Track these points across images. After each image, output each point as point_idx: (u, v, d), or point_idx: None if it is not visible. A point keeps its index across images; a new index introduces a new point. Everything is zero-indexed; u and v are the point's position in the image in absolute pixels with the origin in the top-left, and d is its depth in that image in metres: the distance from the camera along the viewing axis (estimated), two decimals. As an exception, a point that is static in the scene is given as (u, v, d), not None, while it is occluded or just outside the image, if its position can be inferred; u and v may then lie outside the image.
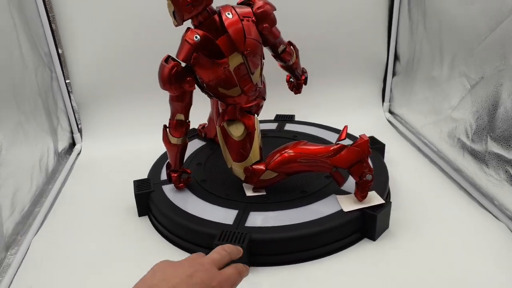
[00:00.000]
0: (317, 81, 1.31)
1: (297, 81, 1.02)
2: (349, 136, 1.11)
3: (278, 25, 0.87)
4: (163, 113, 0.96)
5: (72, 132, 1.33)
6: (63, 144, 1.26)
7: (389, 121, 1.39)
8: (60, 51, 1.24)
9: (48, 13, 1.19)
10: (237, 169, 0.87)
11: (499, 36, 0.83)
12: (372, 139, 1.09)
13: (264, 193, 0.89)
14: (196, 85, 0.82)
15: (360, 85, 1.42)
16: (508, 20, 0.80)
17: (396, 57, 1.38)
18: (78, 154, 1.29)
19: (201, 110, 0.99)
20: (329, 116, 1.33)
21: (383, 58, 1.40)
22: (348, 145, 0.81)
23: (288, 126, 1.23)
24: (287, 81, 1.05)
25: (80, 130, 1.34)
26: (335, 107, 1.39)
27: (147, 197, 0.93)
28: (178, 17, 0.77)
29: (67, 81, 1.28)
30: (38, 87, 1.11)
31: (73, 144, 1.34)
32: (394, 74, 1.40)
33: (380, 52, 1.39)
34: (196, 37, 0.77)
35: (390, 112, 1.44)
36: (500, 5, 0.82)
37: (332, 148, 0.82)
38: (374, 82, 1.43)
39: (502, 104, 0.83)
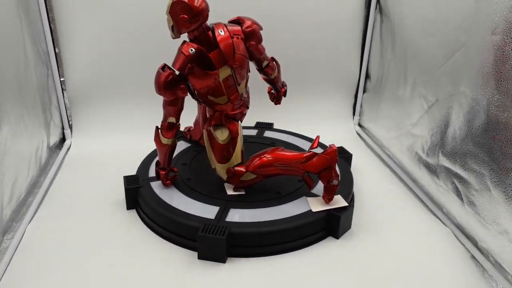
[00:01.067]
0: (295, 94, 1.41)
1: (277, 93, 1.13)
2: (321, 145, 1.22)
3: (263, 42, 0.98)
4: (150, 114, 1.05)
5: (63, 128, 1.39)
6: (54, 138, 1.32)
7: (358, 134, 1.51)
8: (57, 50, 1.31)
9: (48, 14, 1.25)
10: (220, 170, 0.96)
11: (452, 66, 0.96)
12: (341, 149, 1.21)
13: (244, 193, 0.98)
14: (188, 92, 0.92)
15: (334, 99, 1.53)
16: (459, 53, 0.93)
17: (368, 76, 1.50)
18: (68, 149, 1.34)
19: (187, 114, 1.08)
20: (305, 125, 1.42)
21: (356, 76, 1.52)
22: (319, 153, 0.92)
23: (267, 133, 1.33)
24: (268, 93, 1.15)
25: (70, 126, 1.40)
26: (310, 118, 1.50)
27: (136, 192, 1.01)
28: (176, 31, 0.87)
29: (61, 79, 1.34)
30: (37, 83, 1.18)
31: (63, 139, 1.40)
32: (364, 91, 1.52)
33: (353, 70, 1.51)
34: (191, 50, 0.86)
35: (359, 125, 1.56)
36: (455, 39, 0.95)
37: (305, 155, 0.92)
38: (347, 97, 1.55)
39: (452, 124, 0.96)
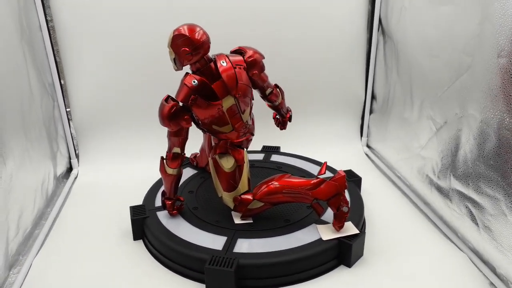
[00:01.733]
0: (301, 116, 1.41)
1: (282, 118, 1.12)
2: (330, 168, 1.21)
3: (266, 67, 0.97)
4: (156, 142, 1.05)
5: (70, 158, 1.39)
6: (61, 168, 1.32)
7: (367, 154, 1.49)
8: (62, 82, 1.32)
9: (53, 47, 1.27)
10: (227, 198, 0.95)
11: (459, 87, 0.95)
12: (350, 173, 1.19)
13: (251, 221, 0.96)
14: (192, 122, 0.92)
15: (341, 121, 1.52)
16: (466, 75, 0.92)
17: (373, 97, 1.49)
18: (75, 178, 1.34)
19: (193, 140, 1.07)
20: (312, 148, 1.42)
21: (362, 97, 1.51)
22: (327, 178, 0.90)
23: (274, 157, 1.32)
24: (273, 118, 1.15)
25: (77, 156, 1.40)
26: (317, 140, 1.48)
27: (142, 222, 1.00)
28: (178, 63, 0.87)
29: (67, 109, 1.35)
30: (43, 115, 1.18)
31: (70, 169, 1.40)
32: (371, 111, 1.51)
33: (359, 92, 1.50)
34: (194, 82, 0.86)
35: (368, 146, 1.54)
36: (460, 61, 0.94)
37: (313, 182, 0.90)
38: (353, 119, 1.54)
39: (462, 147, 0.94)
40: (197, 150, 1.23)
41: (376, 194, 1.20)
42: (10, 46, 1.04)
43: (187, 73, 0.89)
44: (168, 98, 0.89)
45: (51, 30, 1.26)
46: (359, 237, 0.90)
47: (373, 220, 1.07)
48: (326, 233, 0.91)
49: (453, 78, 0.97)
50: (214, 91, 0.87)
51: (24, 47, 1.10)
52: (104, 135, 1.39)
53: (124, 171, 1.34)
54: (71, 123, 1.37)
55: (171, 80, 0.89)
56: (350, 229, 0.92)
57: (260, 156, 1.33)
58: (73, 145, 1.39)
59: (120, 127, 1.39)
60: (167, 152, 0.95)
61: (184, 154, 0.95)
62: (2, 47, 0.99)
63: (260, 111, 1.07)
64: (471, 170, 0.90)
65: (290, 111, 1.13)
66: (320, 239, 0.90)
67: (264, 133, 1.26)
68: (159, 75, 1.15)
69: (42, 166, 1.16)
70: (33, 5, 1.20)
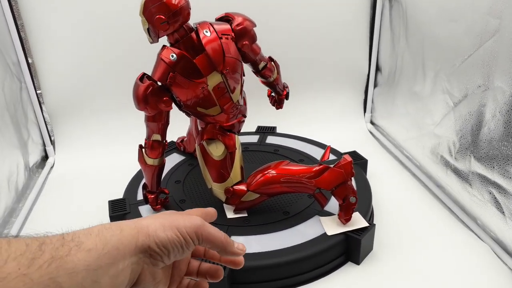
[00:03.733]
0: (299, 93, 1.28)
1: (278, 96, 1.00)
2: (332, 150, 1.09)
3: (258, 39, 0.84)
4: (140, 125, 0.92)
5: (44, 145, 1.26)
6: (34, 158, 1.20)
7: (371, 132, 1.38)
8: (30, 61, 1.18)
9: (16, 21, 1.12)
10: (217, 190, 0.84)
11: (483, 56, 0.82)
12: (355, 154, 1.08)
13: (246, 215, 0.86)
14: (173, 104, 0.79)
15: (342, 96, 1.40)
16: (493, 40, 0.79)
17: (378, 68, 1.36)
18: (51, 167, 1.23)
19: (180, 122, 0.96)
20: (311, 127, 1.31)
21: (365, 69, 1.38)
22: (331, 166, 0.79)
23: (270, 139, 1.20)
24: (268, 96, 1.03)
25: (53, 143, 1.28)
26: (317, 118, 1.37)
27: (123, 219, 0.89)
28: (153, 34, 0.74)
29: (38, 91, 1.21)
30: (5, 100, 1.05)
31: (45, 157, 1.27)
32: (375, 85, 1.39)
33: (362, 63, 1.38)
34: (172, 56, 0.73)
35: (372, 123, 1.42)
36: (484, 25, 0.81)
37: (315, 169, 0.79)
38: (356, 93, 1.41)
39: (486, 124, 0.82)
40: (183, 133, 1.10)
41: (383, 177, 1.09)
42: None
43: (164, 46, 0.75)
44: (143, 77, 0.76)
45: (12, 2, 1.11)
46: (368, 231, 0.80)
47: (381, 208, 0.96)
48: (331, 226, 0.81)
49: (475, 45, 0.84)
50: (196, 66, 0.74)
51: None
52: (81, 119, 1.27)
53: (105, 159, 1.23)
54: (43, 106, 1.24)
55: (152, 57, 0.76)
56: (358, 221, 0.81)
57: (254, 138, 1.21)
58: (47, 131, 1.26)
59: (98, 110, 1.27)
60: (145, 140, 0.83)
61: (166, 141, 0.83)
62: None
63: (253, 87, 0.94)
64: (496, 151, 0.79)
65: (287, 87, 1.00)
66: (325, 233, 0.79)
67: (258, 112, 1.15)
68: (139, 50, 1.02)
69: (7, 158, 1.03)
70: (-13, -28, 1.05)
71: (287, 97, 1.00)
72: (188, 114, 0.84)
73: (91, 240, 0.35)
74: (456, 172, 0.93)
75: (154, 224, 0.40)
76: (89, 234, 0.36)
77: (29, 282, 0.29)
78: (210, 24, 0.77)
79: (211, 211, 0.52)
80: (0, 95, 1.03)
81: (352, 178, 0.83)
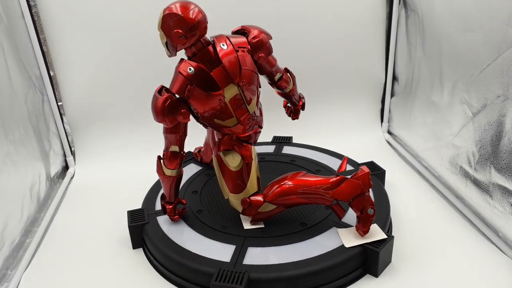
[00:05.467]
0: (315, 103, 1.29)
1: (294, 107, 1.00)
2: (349, 161, 1.09)
3: (274, 50, 0.85)
4: (158, 136, 0.94)
5: (65, 155, 1.29)
6: (55, 168, 1.23)
7: (388, 142, 1.36)
8: (51, 74, 1.21)
9: (38, 36, 1.15)
10: (234, 200, 0.85)
11: (501, 65, 0.81)
12: (372, 165, 1.07)
13: (263, 226, 0.86)
14: (190, 116, 0.80)
15: (358, 106, 1.39)
16: (511, 50, 0.78)
17: (395, 78, 1.35)
18: (72, 178, 1.25)
19: (196, 132, 0.97)
20: (327, 137, 1.31)
21: (381, 78, 1.37)
22: (349, 177, 0.78)
23: (286, 149, 1.20)
24: (284, 107, 1.03)
25: (73, 153, 1.31)
26: (333, 128, 1.36)
27: (141, 229, 0.90)
28: (171, 48, 0.75)
29: (59, 103, 1.24)
30: (28, 112, 1.08)
31: (66, 167, 1.30)
32: (392, 94, 1.37)
33: (378, 72, 1.36)
34: (190, 69, 0.74)
35: (389, 132, 1.41)
36: (503, 34, 0.80)
37: (332, 180, 0.79)
38: (373, 103, 1.40)
39: (506, 135, 0.80)
40: (200, 143, 1.11)
41: (401, 188, 1.08)
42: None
43: (182, 59, 0.77)
44: (161, 90, 0.77)
45: (35, 17, 1.14)
46: (387, 243, 0.79)
47: (399, 219, 0.95)
48: (349, 238, 0.80)
49: (493, 54, 0.83)
50: (214, 79, 0.75)
51: (0, 37, 0.98)
52: (101, 130, 1.29)
53: (124, 169, 1.24)
54: (64, 118, 1.27)
55: (170, 69, 0.77)
56: (376, 233, 0.80)
57: (270, 148, 1.21)
58: (68, 142, 1.29)
59: (118, 121, 1.29)
60: (164, 151, 0.84)
61: (184, 152, 0.84)
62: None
63: (269, 98, 0.95)
64: (518, 162, 0.77)
65: (303, 98, 1.00)
66: (342, 245, 0.79)
67: (274, 123, 1.15)
68: (158, 62, 1.04)
69: (30, 169, 1.05)
70: (12, -11, 1.08)
71: (303, 107, 1.00)
72: (205, 126, 0.85)
73: None
74: (476, 183, 0.91)
75: None
76: None
77: None
78: (227, 37, 0.78)
79: None
80: (24, 108, 1.05)
81: (370, 189, 0.83)
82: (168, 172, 0.84)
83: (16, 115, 1.01)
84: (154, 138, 0.98)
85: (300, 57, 1.22)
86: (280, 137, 1.27)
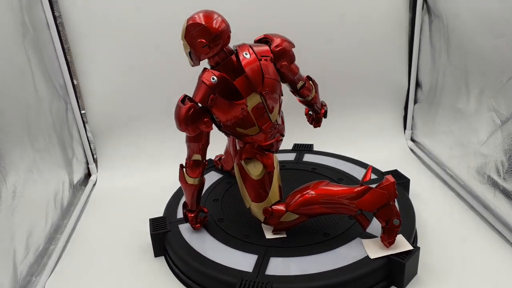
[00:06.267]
0: (336, 110, 1.27)
1: (316, 115, 0.99)
2: (373, 169, 1.07)
3: (296, 56, 0.84)
4: (180, 145, 0.94)
5: (87, 163, 1.31)
6: (78, 175, 1.24)
7: (412, 150, 1.34)
8: (75, 82, 1.23)
9: (63, 46, 1.18)
10: (256, 209, 0.84)
11: (532, 72, 0.79)
12: (396, 174, 1.05)
13: (285, 236, 0.85)
14: (213, 125, 0.80)
15: (381, 113, 1.37)
16: (543, 56, 0.75)
17: (418, 84, 1.33)
18: (94, 185, 1.27)
19: (217, 140, 0.97)
20: (349, 145, 1.29)
21: (404, 85, 1.35)
22: (374, 187, 0.77)
23: (307, 157, 1.19)
24: (306, 114, 1.02)
25: (95, 161, 1.32)
26: (355, 135, 1.34)
27: (163, 237, 0.90)
28: (195, 58, 0.75)
29: (82, 111, 1.26)
30: (53, 121, 1.10)
31: (88, 175, 1.32)
32: (416, 101, 1.35)
33: (401, 78, 1.34)
34: (213, 79, 0.74)
35: (412, 140, 1.38)
36: (533, 40, 0.78)
37: (356, 190, 0.77)
38: (395, 110, 1.37)
39: (538, 143, 0.78)
40: (221, 151, 1.11)
41: (426, 197, 1.05)
42: (10, 48, 0.94)
43: (205, 69, 0.77)
44: (184, 99, 0.77)
45: (60, 27, 1.16)
46: (413, 254, 0.77)
47: (425, 230, 0.93)
48: (374, 250, 0.78)
49: (523, 60, 0.80)
50: (236, 88, 0.75)
51: (27, 48, 1.01)
52: (123, 138, 1.30)
53: (146, 176, 1.25)
54: (87, 126, 1.29)
55: (193, 76, 0.78)
56: (402, 244, 0.78)
57: (291, 156, 1.20)
58: (90, 149, 1.31)
59: (139, 129, 1.30)
60: (186, 160, 0.84)
61: (206, 161, 0.84)
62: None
63: (290, 104, 0.94)
64: (550, 172, 0.74)
65: (325, 105, 0.99)
66: (367, 257, 0.77)
67: (295, 130, 1.14)
68: (180, 71, 1.04)
69: (54, 176, 1.07)
70: (38, 0, 1.10)
71: (325, 115, 0.99)
72: (227, 134, 0.85)
73: None
74: (505, 193, 0.88)
75: None
76: None
77: None
78: (250, 46, 0.78)
79: None
80: (48, 117, 1.07)
81: (395, 199, 0.81)
82: (190, 180, 0.84)
83: (41, 123, 1.03)
84: (176, 146, 0.98)
85: (321, 63, 1.21)
86: (300, 144, 1.26)
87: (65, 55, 1.18)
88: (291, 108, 0.98)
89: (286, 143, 1.16)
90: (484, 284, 0.76)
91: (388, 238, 0.77)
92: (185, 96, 0.77)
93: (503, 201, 0.89)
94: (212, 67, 0.77)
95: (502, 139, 0.89)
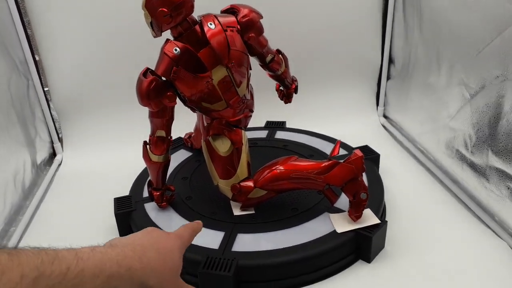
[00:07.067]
0: (308, 86, 1.25)
1: (287, 90, 0.97)
2: (343, 145, 1.06)
3: (266, 30, 0.82)
4: (148, 121, 0.91)
5: (52, 142, 1.26)
6: (42, 155, 1.20)
7: (384, 126, 1.34)
8: (37, 58, 1.17)
9: (22, 18, 1.11)
10: (224, 186, 0.82)
11: (500, 45, 0.78)
12: (367, 149, 1.05)
13: (253, 212, 0.83)
14: (177, 99, 0.77)
15: (353, 89, 1.36)
16: (511, 29, 0.75)
17: (391, 60, 1.32)
18: (59, 165, 1.22)
19: (187, 118, 0.94)
20: (322, 122, 1.28)
21: (377, 61, 1.34)
22: (342, 161, 0.76)
23: (279, 134, 1.18)
24: (276, 90, 1.00)
25: (61, 140, 1.27)
26: (327, 112, 1.33)
27: (128, 217, 0.87)
28: (156, 28, 0.72)
29: (45, 88, 1.21)
30: (12, 97, 1.04)
31: (53, 154, 1.27)
32: (388, 77, 1.34)
33: (374, 55, 1.33)
34: (175, 50, 0.71)
35: (385, 116, 1.38)
36: (502, 13, 0.77)
37: (324, 165, 0.77)
38: (368, 86, 1.37)
39: (505, 116, 0.78)
40: (191, 129, 1.08)
41: (396, 173, 1.05)
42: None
43: (167, 40, 0.73)
44: (146, 72, 0.74)
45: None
46: (380, 228, 0.77)
47: (394, 204, 0.93)
48: (341, 224, 0.78)
49: (493, 33, 0.80)
50: (201, 60, 0.72)
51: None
52: (89, 116, 1.25)
53: (113, 155, 1.21)
54: (50, 104, 1.23)
55: (159, 48, 0.74)
56: (369, 218, 0.78)
57: (263, 134, 1.18)
58: (55, 128, 1.25)
59: (107, 107, 1.25)
60: (150, 136, 0.81)
61: (171, 137, 0.81)
62: None
63: (260, 81, 0.92)
64: (516, 144, 0.75)
65: (296, 81, 0.97)
66: (334, 231, 0.77)
67: (267, 107, 1.11)
68: (146, 46, 1.00)
69: (14, 156, 1.02)
70: (-8, -31, 1.03)
71: (296, 91, 0.97)
72: (193, 110, 0.82)
73: (93, 285, 0.39)
74: (473, 166, 0.89)
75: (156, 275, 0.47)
76: (96, 276, 0.39)
77: None
78: (215, 16, 0.75)
79: (199, 226, 0.63)
80: (6, 94, 1.02)
81: (364, 174, 0.81)
82: (154, 158, 0.81)
83: (-1, 101, 0.98)
84: (144, 123, 0.94)
85: (293, 39, 1.18)
86: (273, 122, 1.24)
87: (24, 29, 1.12)
88: (263, 84, 0.96)
89: (259, 121, 1.15)
90: (450, 256, 0.77)
91: (355, 212, 0.77)
92: (147, 69, 0.74)
93: (470, 174, 0.90)
94: (175, 38, 0.73)
95: (470, 113, 0.89)
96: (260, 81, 0.90)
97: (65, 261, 0.37)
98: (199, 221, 0.63)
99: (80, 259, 0.39)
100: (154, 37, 0.74)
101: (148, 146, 0.81)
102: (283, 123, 1.23)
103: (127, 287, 0.43)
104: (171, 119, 0.79)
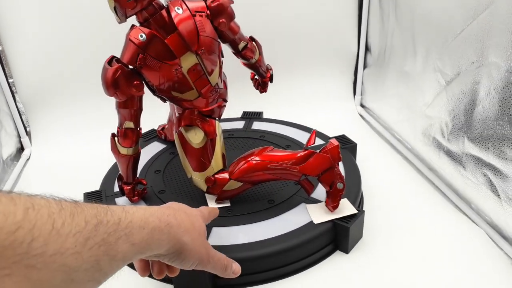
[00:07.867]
0: (284, 76, 1.24)
1: (262, 79, 0.94)
2: (320, 135, 1.05)
3: (239, 18, 0.79)
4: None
5: (19, 136, 1.21)
6: (8, 150, 1.15)
7: (361, 115, 1.33)
8: (0, 48, 1.12)
9: (-18, 7, 1.05)
10: (198, 179, 0.80)
11: (476, 30, 0.77)
12: (343, 138, 1.03)
13: (229, 205, 0.81)
14: (146, 89, 0.73)
15: (330, 78, 1.35)
16: (486, 13, 0.74)
17: (367, 48, 1.31)
18: (27, 159, 1.17)
19: (161, 109, 0.90)
20: (299, 112, 1.26)
21: (354, 49, 1.33)
22: (317, 151, 0.74)
23: (256, 125, 1.15)
24: (251, 79, 0.97)
25: (28, 134, 1.22)
26: (304, 102, 1.32)
27: (99, 212, 0.84)
28: (121, 14, 0.68)
29: (9, 80, 1.15)
30: (-28, 90, 0.99)
31: (21, 149, 1.22)
32: (365, 66, 1.33)
33: (351, 43, 1.32)
34: (141, 36, 0.67)
35: (362, 105, 1.38)
36: (477, -3, 0.76)
37: (299, 155, 0.75)
38: (345, 75, 1.36)
39: (480, 103, 0.77)
40: (165, 120, 1.05)
41: (373, 162, 1.05)
42: None
43: (133, 26, 0.70)
44: (112, 60, 0.70)
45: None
46: (357, 218, 0.76)
47: (371, 193, 0.93)
48: (318, 214, 0.77)
49: (468, 19, 0.79)
50: (168, 47, 0.69)
51: None
52: (58, 108, 1.21)
53: (83, 149, 1.17)
54: (16, 96, 1.17)
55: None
56: (346, 208, 0.77)
57: (240, 124, 1.16)
58: (22, 121, 1.20)
59: (75, 98, 1.21)
60: (118, 128, 0.77)
61: (140, 129, 0.78)
62: None
63: (237, 70, 0.89)
64: (491, 131, 0.74)
65: (271, 69, 0.95)
66: (311, 222, 0.75)
67: (244, 97, 1.09)
68: (114, 33, 0.96)
69: (-25, 151, 0.97)
70: None
71: (271, 79, 0.95)
72: (163, 100, 0.79)
73: (141, 235, 0.42)
74: (449, 154, 0.89)
75: (194, 244, 0.52)
76: (142, 228, 0.43)
77: (80, 260, 0.34)
78: (183, 1, 0.71)
79: (217, 212, 0.69)
80: (-35, 85, 0.97)
81: (341, 163, 0.79)
82: (123, 150, 0.77)
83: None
84: (115, 115, 0.91)
85: (267, 26, 1.16)
86: (250, 112, 1.22)
87: (-15, 17, 1.06)
88: (239, 73, 0.93)
89: (235, 111, 1.12)
90: (428, 244, 0.77)
91: (332, 202, 0.75)
92: (113, 57, 0.70)
93: (446, 162, 0.90)
94: (141, 24, 0.70)
95: (446, 100, 0.88)
96: (237, 70, 0.88)
97: (116, 213, 0.41)
98: (217, 208, 0.70)
99: (127, 212, 0.42)
100: (119, 23, 0.70)
101: (116, 138, 0.77)
102: (260, 113, 1.21)
103: (166, 241, 0.47)
104: (139, 109, 0.75)
